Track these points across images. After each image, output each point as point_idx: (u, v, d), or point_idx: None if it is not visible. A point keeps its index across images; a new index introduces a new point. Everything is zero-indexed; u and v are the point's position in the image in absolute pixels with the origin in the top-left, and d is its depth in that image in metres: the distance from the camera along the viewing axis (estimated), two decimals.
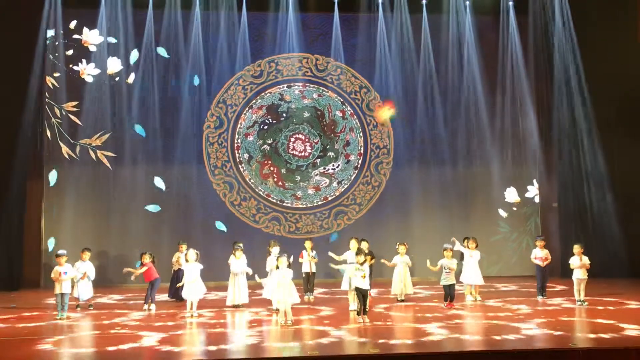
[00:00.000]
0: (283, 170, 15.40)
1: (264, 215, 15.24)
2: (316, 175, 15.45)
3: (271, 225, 15.20)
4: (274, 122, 15.50)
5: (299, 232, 15.19)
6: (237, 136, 15.29)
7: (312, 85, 15.71)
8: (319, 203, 15.45)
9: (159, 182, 14.80)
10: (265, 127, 15.43)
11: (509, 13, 15.78)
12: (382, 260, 11.84)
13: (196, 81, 15.08)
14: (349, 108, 15.73)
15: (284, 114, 15.53)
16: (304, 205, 15.42)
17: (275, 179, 15.37)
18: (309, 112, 15.60)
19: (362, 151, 15.68)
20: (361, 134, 15.73)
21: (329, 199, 15.49)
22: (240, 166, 15.25)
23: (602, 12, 15.02)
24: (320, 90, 15.69)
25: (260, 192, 15.30)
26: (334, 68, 15.68)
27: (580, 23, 15.23)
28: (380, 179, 15.65)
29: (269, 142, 15.42)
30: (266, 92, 15.48)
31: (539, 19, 15.72)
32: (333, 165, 15.55)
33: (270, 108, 15.50)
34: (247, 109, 15.42)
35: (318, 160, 15.53)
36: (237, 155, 15.29)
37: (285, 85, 15.59)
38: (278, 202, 15.33)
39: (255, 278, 10.37)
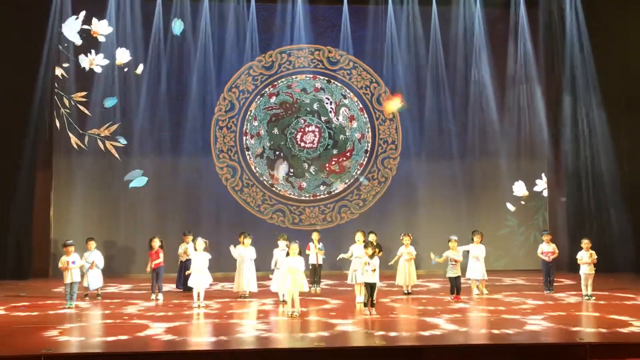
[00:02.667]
0: (292, 162, 15.44)
1: (269, 207, 15.27)
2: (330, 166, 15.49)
3: (275, 216, 15.24)
4: (283, 114, 15.51)
5: (302, 223, 15.22)
6: (245, 124, 15.31)
7: (322, 77, 15.67)
8: (325, 195, 15.46)
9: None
10: (274, 119, 15.47)
11: (519, 5, 15.64)
12: (390, 264, 11.85)
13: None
14: (357, 101, 15.69)
15: (293, 106, 15.53)
16: (308, 197, 15.43)
17: (286, 170, 15.42)
18: (317, 104, 15.59)
19: (369, 147, 15.67)
20: (369, 129, 15.70)
21: (335, 191, 15.50)
22: (246, 153, 15.28)
23: (613, 2, 14.86)
24: (329, 83, 15.66)
25: (265, 182, 15.35)
26: (346, 61, 15.63)
27: (591, 14, 15.07)
28: (387, 173, 15.62)
29: (279, 134, 15.44)
30: (276, 82, 15.48)
31: (549, 11, 15.58)
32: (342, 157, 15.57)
33: (279, 99, 15.51)
34: (258, 97, 15.46)
35: (327, 151, 15.53)
36: (244, 141, 15.33)
37: (295, 77, 15.57)
38: (282, 194, 15.36)
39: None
